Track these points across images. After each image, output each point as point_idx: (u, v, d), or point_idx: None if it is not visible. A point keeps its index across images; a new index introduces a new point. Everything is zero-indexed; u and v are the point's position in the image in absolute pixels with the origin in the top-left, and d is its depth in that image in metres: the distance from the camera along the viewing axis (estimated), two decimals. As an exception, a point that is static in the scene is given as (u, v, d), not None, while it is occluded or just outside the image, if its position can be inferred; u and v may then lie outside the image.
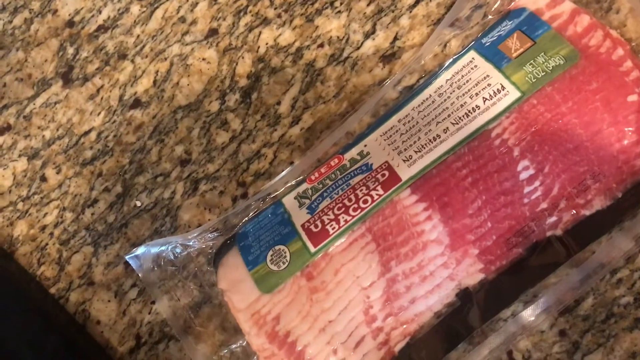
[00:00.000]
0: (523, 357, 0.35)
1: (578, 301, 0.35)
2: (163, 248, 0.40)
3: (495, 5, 0.39)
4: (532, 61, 0.36)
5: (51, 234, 0.45)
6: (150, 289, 0.39)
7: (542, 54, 0.36)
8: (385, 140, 0.38)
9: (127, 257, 0.39)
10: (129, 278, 0.43)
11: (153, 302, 0.42)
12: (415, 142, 0.37)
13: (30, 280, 0.45)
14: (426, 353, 0.36)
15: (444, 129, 0.37)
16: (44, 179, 0.46)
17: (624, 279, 0.35)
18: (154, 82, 0.46)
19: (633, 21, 0.37)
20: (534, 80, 0.36)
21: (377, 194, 0.36)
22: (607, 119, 0.35)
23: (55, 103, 0.48)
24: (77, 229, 0.45)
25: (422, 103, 0.38)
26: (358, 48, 0.42)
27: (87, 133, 0.46)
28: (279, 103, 0.43)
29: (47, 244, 0.45)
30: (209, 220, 0.42)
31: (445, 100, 0.38)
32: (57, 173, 0.46)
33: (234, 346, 0.38)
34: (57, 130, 0.47)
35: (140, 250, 0.39)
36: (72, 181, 0.46)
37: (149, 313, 0.42)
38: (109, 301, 0.43)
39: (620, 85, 0.35)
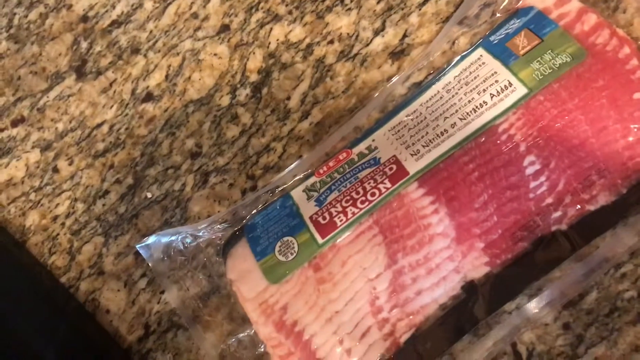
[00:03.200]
0: (527, 350, 0.36)
1: (582, 295, 0.35)
2: (173, 238, 0.40)
3: (504, 4, 0.40)
4: (539, 58, 0.37)
5: (62, 224, 0.46)
6: (160, 278, 0.40)
7: (549, 51, 0.37)
8: (393, 135, 0.39)
9: (137, 247, 0.40)
10: (139, 268, 0.44)
11: (162, 292, 0.43)
12: (423, 137, 0.38)
13: (41, 269, 0.45)
14: (431, 344, 0.36)
15: (452, 124, 0.37)
16: (56, 170, 0.47)
17: (628, 274, 0.35)
18: (166, 76, 0.46)
19: None
20: (540, 77, 0.36)
21: (384, 187, 0.37)
22: (612, 115, 0.35)
23: (69, 96, 0.48)
24: (88, 220, 0.46)
25: (430, 99, 0.39)
26: (367, 45, 0.43)
27: (99, 126, 0.47)
28: (288, 98, 0.44)
29: (58, 234, 0.46)
30: (218, 212, 0.43)
31: (453, 96, 0.38)
32: (70, 165, 0.47)
33: (241, 335, 0.38)
34: (70, 122, 0.48)
35: (150, 239, 0.40)
36: (84, 173, 0.46)
37: (158, 303, 0.43)
38: (118, 291, 0.44)
39: (626, 83, 0.35)
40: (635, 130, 0.35)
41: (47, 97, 0.49)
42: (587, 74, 0.36)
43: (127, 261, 0.44)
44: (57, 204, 0.46)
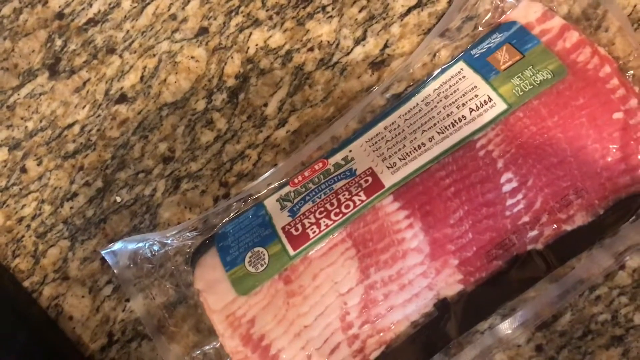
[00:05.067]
0: (498, 371, 0.35)
1: (556, 317, 0.35)
2: (140, 245, 0.39)
3: (486, 18, 0.40)
4: (520, 74, 0.36)
5: (28, 226, 0.45)
6: (126, 286, 0.39)
7: (531, 67, 0.36)
8: (370, 146, 0.38)
9: (103, 252, 0.38)
10: (105, 274, 0.42)
11: (127, 300, 0.42)
12: (400, 150, 0.37)
13: (3, 272, 0.44)
14: (401, 363, 0.35)
15: (429, 138, 0.36)
16: (24, 170, 0.46)
17: (603, 296, 0.35)
18: (141, 78, 0.45)
19: (621, 40, 0.37)
20: (521, 93, 0.36)
21: (359, 200, 0.36)
22: (592, 135, 0.35)
23: (40, 94, 0.47)
24: (54, 222, 0.44)
25: (409, 111, 0.38)
26: (348, 54, 0.42)
27: (70, 126, 0.46)
28: (265, 105, 0.43)
29: (23, 236, 0.44)
30: (189, 219, 0.42)
31: (432, 109, 0.37)
32: (38, 165, 0.45)
33: (207, 347, 0.37)
34: (41, 121, 0.46)
35: (117, 245, 0.39)
36: (53, 174, 0.45)
37: (123, 311, 0.41)
38: (82, 297, 0.42)
39: (606, 102, 0.35)
40: (614, 150, 0.34)
41: (18, 94, 0.47)
42: (567, 91, 0.35)
43: (92, 267, 0.43)
44: (24, 205, 0.45)
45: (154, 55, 0.45)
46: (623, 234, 0.34)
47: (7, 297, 0.43)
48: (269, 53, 0.43)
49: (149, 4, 0.46)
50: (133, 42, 0.46)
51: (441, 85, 0.38)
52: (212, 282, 0.37)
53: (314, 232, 0.36)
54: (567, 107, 0.35)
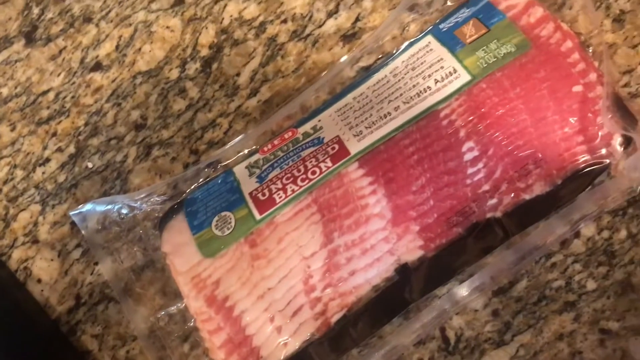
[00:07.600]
0: (455, 335, 0.36)
1: (512, 283, 0.36)
2: (109, 207, 0.39)
3: (455, -7, 0.40)
4: (484, 47, 0.37)
5: (-1, 190, 0.45)
6: (94, 249, 0.39)
7: (495, 41, 0.37)
8: (338, 116, 0.39)
9: (71, 214, 0.39)
10: (74, 238, 0.43)
11: (96, 264, 0.42)
12: (366, 119, 0.38)
13: (-27, 235, 0.44)
14: (362, 325, 0.36)
15: (395, 107, 0.37)
16: (-3, 135, 0.46)
17: (558, 264, 0.35)
18: (117, 46, 0.46)
19: (584, 17, 0.38)
20: (484, 65, 0.36)
21: (325, 166, 0.37)
22: (552, 107, 0.36)
23: (16, 61, 0.47)
24: (26, 187, 0.44)
25: (377, 82, 0.39)
26: (320, 26, 0.43)
27: (45, 93, 0.46)
28: (238, 74, 0.43)
29: (-6, 200, 0.45)
30: (159, 185, 0.42)
31: (399, 80, 0.38)
32: (12, 130, 0.46)
33: (172, 309, 0.38)
34: (15, 88, 0.47)
35: (86, 207, 0.39)
36: (26, 139, 0.45)
37: (91, 274, 0.42)
38: (52, 260, 0.43)
39: (567, 76, 0.36)
40: (573, 122, 0.35)
41: (-6, 61, 0.48)
42: (529, 64, 0.36)
43: (62, 231, 0.43)
44: (-4, 170, 0.45)
45: (130, 24, 0.46)
46: (579, 203, 0.35)
47: (-23, 259, 0.43)
48: (243, 24, 0.44)
49: (126, -26, 0.47)
50: (110, 11, 0.47)
51: (409, 57, 0.39)
52: (178, 245, 0.38)
53: (280, 197, 0.37)
54: (528, 80, 0.36)
